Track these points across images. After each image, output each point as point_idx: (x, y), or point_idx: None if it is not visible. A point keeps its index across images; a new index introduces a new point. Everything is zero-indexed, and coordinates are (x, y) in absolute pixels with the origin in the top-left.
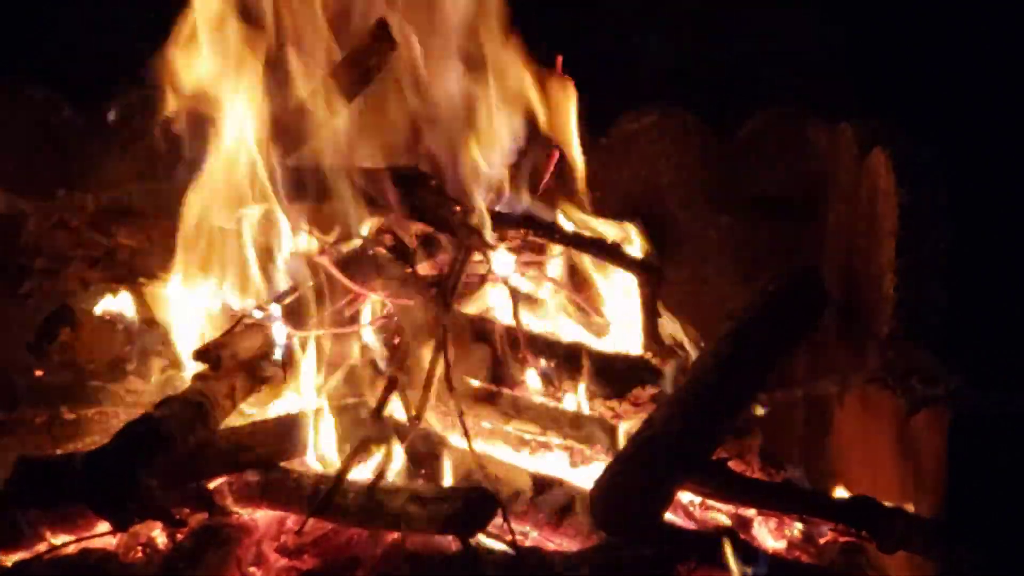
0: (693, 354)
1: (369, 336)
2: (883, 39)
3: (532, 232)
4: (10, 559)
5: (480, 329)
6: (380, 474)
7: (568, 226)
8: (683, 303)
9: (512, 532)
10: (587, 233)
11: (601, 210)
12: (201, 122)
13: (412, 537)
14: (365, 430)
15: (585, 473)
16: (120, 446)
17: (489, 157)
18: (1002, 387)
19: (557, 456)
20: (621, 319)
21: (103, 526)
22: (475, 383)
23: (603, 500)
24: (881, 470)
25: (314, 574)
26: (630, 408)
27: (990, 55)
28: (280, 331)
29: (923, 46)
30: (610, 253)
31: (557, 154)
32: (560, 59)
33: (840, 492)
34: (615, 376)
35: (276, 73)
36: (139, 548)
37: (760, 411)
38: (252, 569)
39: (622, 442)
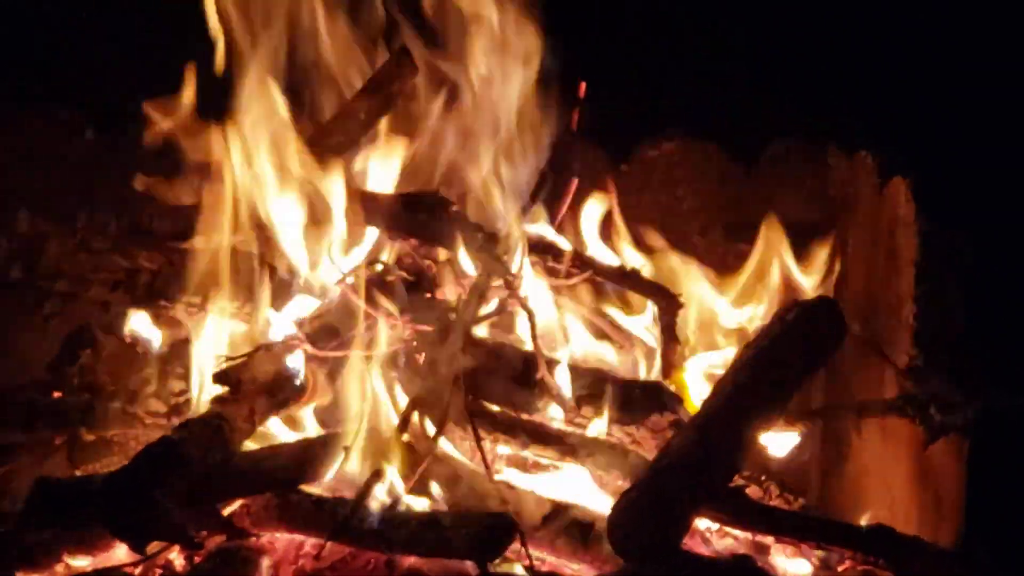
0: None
1: (389, 360)
2: (904, 67)
3: (552, 258)
4: None
5: (499, 354)
6: (398, 498)
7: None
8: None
9: (530, 557)
10: (607, 260)
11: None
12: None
13: (430, 562)
14: (384, 454)
15: (603, 499)
16: (139, 468)
17: (510, 184)
18: (1021, 416)
19: (575, 482)
20: (641, 345)
21: (121, 548)
22: (494, 408)
23: (621, 526)
24: (899, 498)
25: None
26: (648, 434)
27: (1012, 84)
28: (300, 354)
29: (945, 74)
30: (629, 280)
31: (576, 182)
32: (584, 85)
33: (858, 520)
34: (634, 402)
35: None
36: (157, 570)
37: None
38: None
39: (640, 468)
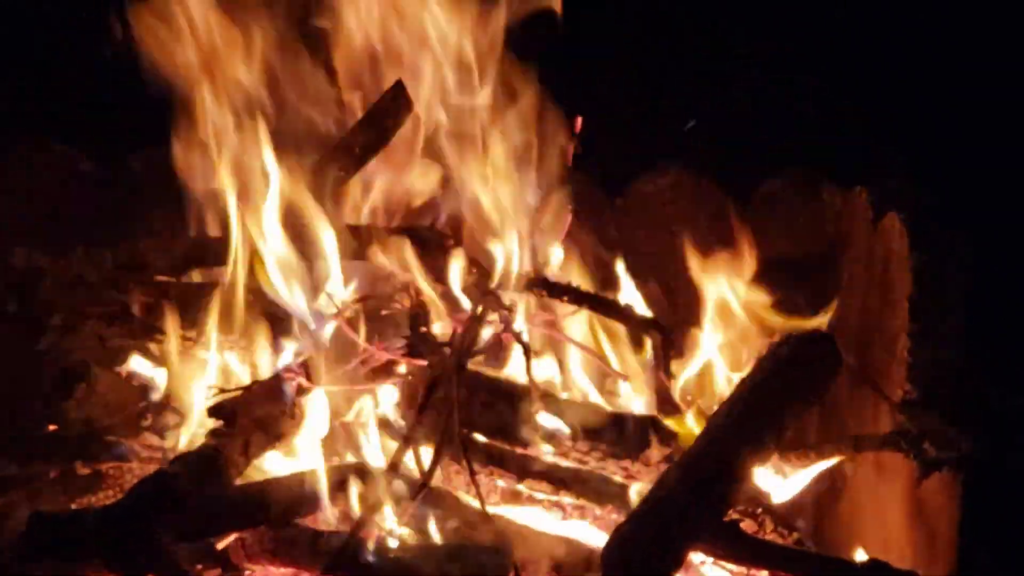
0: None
1: (384, 395)
2: (899, 103)
3: (547, 292)
4: None
5: (493, 388)
6: (392, 532)
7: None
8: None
9: None
10: (600, 293)
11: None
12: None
13: None
14: (379, 488)
15: (597, 533)
16: (134, 502)
17: (506, 217)
18: (1016, 451)
19: (569, 516)
20: (635, 379)
21: None
22: (488, 442)
23: (615, 559)
24: (894, 533)
25: None
26: (642, 468)
27: (1008, 118)
28: (295, 388)
29: (939, 110)
30: (622, 313)
31: (571, 216)
32: (580, 120)
33: (852, 555)
34: (628, 436)
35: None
36: None
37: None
38: None
39: (634, 502)
